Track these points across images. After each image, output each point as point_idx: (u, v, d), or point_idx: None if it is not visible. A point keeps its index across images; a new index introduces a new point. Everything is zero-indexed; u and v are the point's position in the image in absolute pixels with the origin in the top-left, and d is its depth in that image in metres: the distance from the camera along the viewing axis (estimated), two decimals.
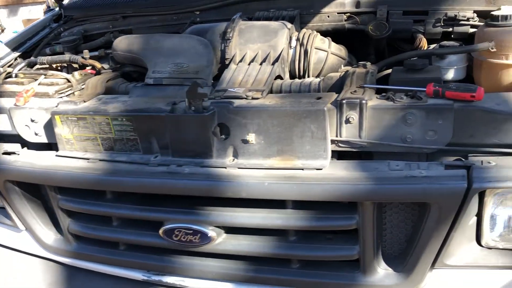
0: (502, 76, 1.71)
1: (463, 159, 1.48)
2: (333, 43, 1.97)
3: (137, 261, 1.85)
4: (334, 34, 2.09)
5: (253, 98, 1.64)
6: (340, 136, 1.54)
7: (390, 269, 1.56)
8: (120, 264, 1.89)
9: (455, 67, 1.81)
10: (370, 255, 1.53)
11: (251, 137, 1.57)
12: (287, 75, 1.96)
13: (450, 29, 1.96)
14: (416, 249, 1.48)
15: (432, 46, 1.99)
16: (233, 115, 1.58)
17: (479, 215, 1.45)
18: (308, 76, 1.95)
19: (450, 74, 1.81)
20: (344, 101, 1.50)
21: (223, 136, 1.61)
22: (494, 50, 1.68)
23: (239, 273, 1.70)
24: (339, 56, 1.95)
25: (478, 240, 1.49)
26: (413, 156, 1.53)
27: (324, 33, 2.08)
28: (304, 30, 1.99)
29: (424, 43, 1.98)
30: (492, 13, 1.75)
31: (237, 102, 1.61)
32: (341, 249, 1.57)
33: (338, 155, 1.61)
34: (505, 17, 1.70)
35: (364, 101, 1.48)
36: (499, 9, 1.83)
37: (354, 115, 1.49)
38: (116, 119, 1.69)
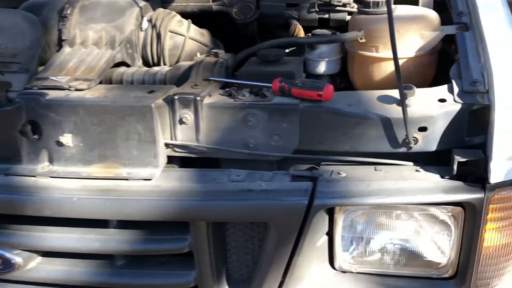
0: (374, 71, 1.50)
1: (317, 167, 1.25)
2: (194, 27, 1.68)
3: None
4: (202, 17, 1.81)
5: (76, 89, 1.32)
6: (175, 139, 1.27)
7: None
8: None
9: (327, 59, 1.58)
10: (208, 281, 1.28)
11: (67, 139, 1.26)
12: (139, 62, 1.65)
13: (326, 16, 1.74)
14: (260, 274, 1.25)
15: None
16: (44, 110, 1.26)
17: (331, 235, 1.24)
18: (164, 64, 1.66)
19: (322, 67, 1.58)
20: (176, 97, 1.22)
21: (35, 137, 1.29)
22: (364, 40, 1.48)
23: None
24: (200, 42, 1.67)
25: (332, 262, 1.28)
26: (264, 165, 1.30)
27: (190, 15, 1.79)
28: (160, 10, 1.69)
29: (299, 31, 1.75)
30: None
31: (51, 94, 1.29)
32: (176, 276, 1.30)
33: (181, 162, 1.35)
34: (376, 4, 1.49)
35: (198, 98, 1.21)
36: None
37: (188, 114, 1.23)
38: None
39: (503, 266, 1.20)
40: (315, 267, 1.26)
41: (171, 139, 1.27)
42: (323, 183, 1.14)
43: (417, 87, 1.18)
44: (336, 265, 1.27)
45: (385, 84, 1.47)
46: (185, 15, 1.76)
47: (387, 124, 1.14)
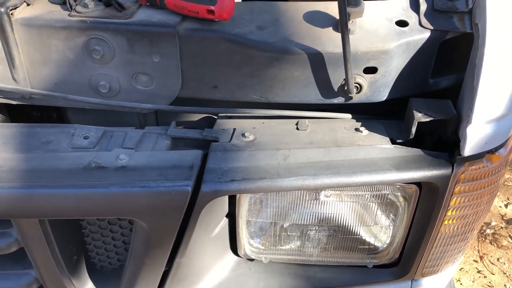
0: None
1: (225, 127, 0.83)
2: None
3: None
4: None
5: None
6: None
7: None
8: None
9: None
10: (57, 281, 0.88)
11: None
12: None
13: None
14: (127, 279, 0.87)
15: None
16: None
17: (233, 215, 0.86)
18: None
19: None
20: None
21: None
22: None
23: None
24: None
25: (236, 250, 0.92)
26: (133, 116, 0.86)
27: None
28: None
29: None
30: None
31: None
32: (14, 276, 0.90)
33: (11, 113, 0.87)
34: None
35: (2, 10, 0.71)
36: None
37: None
38: None
39: (459, 247, 0.91)
40: (210, 259, 0.90)
41: None
42: (217, 155, 0.73)
43: None
44: (241, 253, 0.91)
45: None
46: None
47: (316, 62, 0.72)
